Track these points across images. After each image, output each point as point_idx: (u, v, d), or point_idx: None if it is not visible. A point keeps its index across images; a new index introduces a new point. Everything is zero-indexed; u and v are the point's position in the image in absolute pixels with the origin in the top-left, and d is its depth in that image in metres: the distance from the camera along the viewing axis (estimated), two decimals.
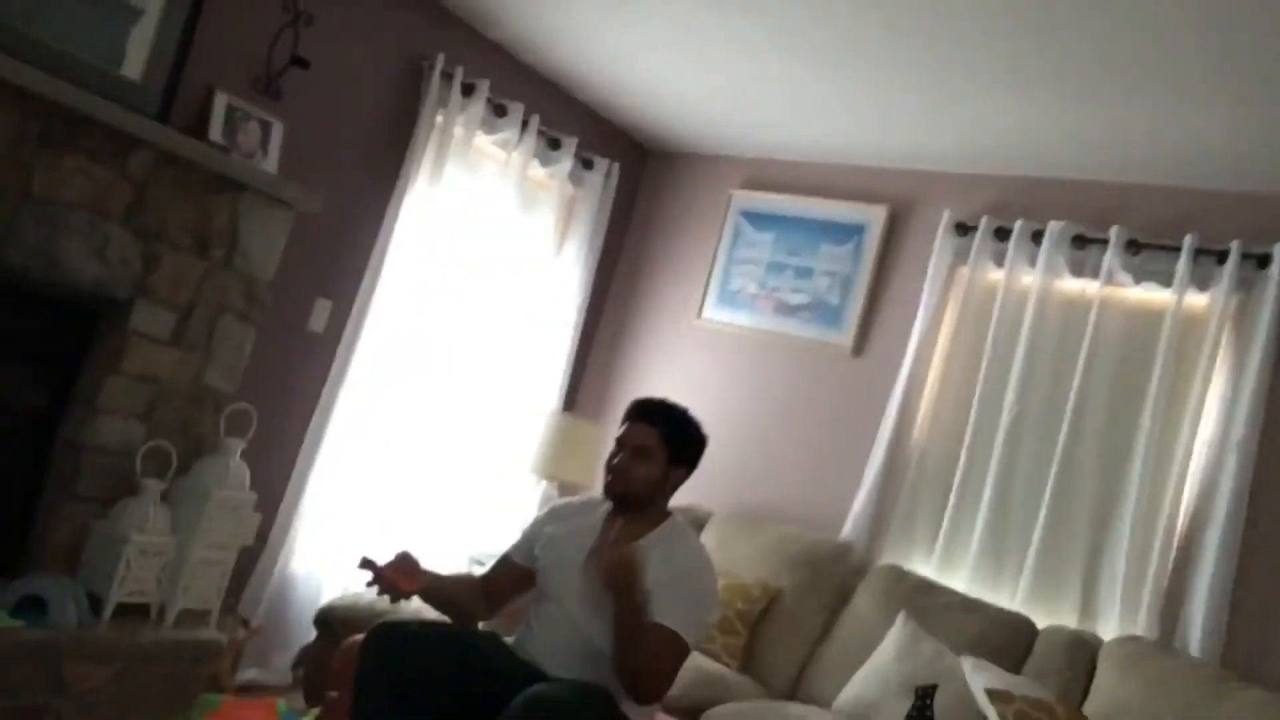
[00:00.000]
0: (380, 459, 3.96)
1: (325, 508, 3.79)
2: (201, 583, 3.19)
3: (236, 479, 3.24)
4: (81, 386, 3.12)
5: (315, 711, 2.83)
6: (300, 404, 3.77)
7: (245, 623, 3.50)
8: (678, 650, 2.37)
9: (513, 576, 2.69)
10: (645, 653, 2.33)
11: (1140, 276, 3.72)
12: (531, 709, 2.22)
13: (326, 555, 3.81)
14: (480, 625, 2.75)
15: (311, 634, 3.46)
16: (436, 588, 2.57)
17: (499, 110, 4.15)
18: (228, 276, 3.30)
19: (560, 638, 2.53)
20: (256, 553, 3.60)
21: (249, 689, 3.48)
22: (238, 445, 3.27)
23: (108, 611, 2.98)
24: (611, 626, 2.38)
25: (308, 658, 3.49)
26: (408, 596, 2.45)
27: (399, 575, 2.42)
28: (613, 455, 2.62)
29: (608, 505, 2.67)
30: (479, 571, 3.09)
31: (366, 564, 2.42)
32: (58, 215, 2.89)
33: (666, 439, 2.59)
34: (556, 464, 4.03)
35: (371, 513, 3.95)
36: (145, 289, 3.11)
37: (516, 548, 2.72)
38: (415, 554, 2.53)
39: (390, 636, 2.38)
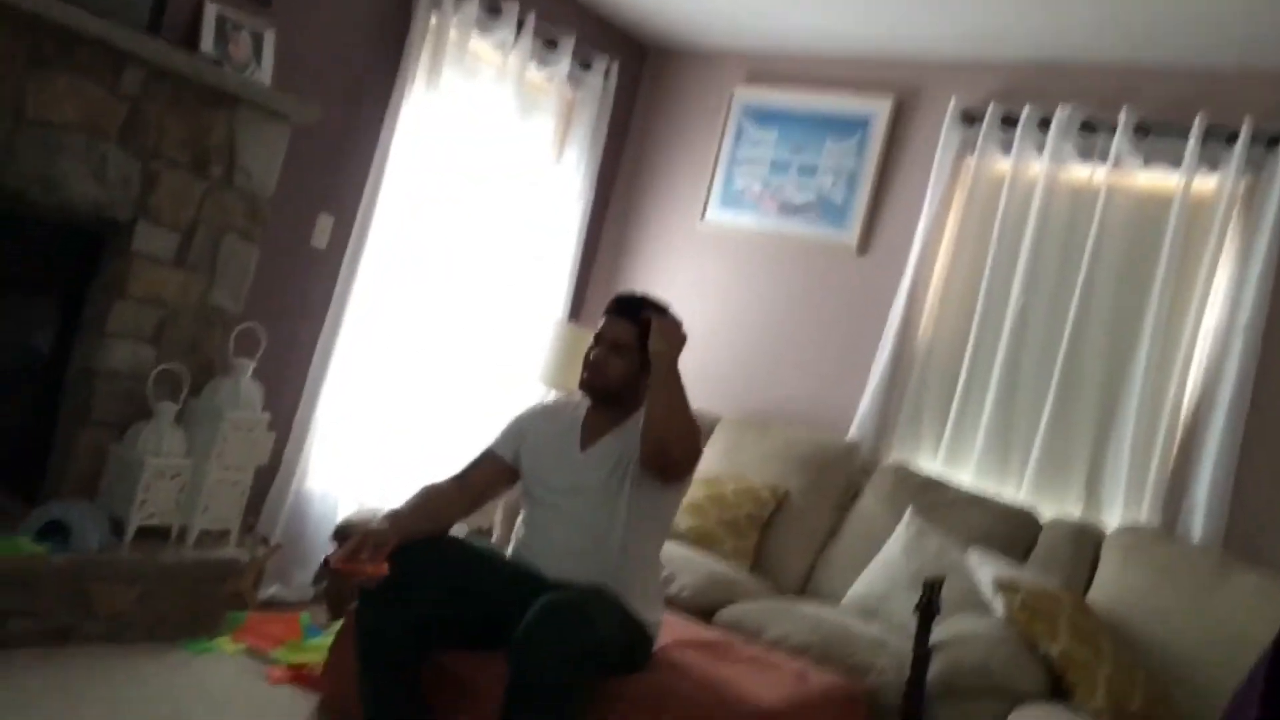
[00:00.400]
0: (389, 373, 3.97)
1: (337, 424, 3.82)
2: (220, 503, 3.23)
3: (248, 399, 3.26)
4: (89, 312, 3.12)
5: (338, 624, 2.90)
6: (307, 321, 3.77)
7: (265, 541, 3.57)
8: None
9: (496, 472, 2.68)
10: (683, 402, 2.42)
11: (1149, 159, 3.67)
12: (547, 617, 2.27)
13: (341, 472, 3.85)
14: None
15: (330, 549, 3.52)
16: (408, 534, 2.42)
17: (493, 9, 4.04)
18: (228, 194, 3.26)
19: (558, 538, 2.57)
20: (272, 472, 3.64)
21: (272, 605, 3.56)
22: (248, 365, 3.28)
23: (129, 534, 3.03)
24: (624, 478, 2.51)
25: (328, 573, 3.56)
26: (377, 581, 2.29)
27: (367, 562, 2.25)
28: (590, 350, 2.62)
29: (586, 403, 2.69)
30: None
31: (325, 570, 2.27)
32: (53, 137, 2.85)
33: (643, 334, 2.56)
34: (564, 373, 4.05)
35: (383, 427, 3.98)
36: (146, 210, 3.08)
37: (500, 443, 2.70)
38: (361, 516, 2.44)
39: (385, 596, 2.35)
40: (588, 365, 2.61)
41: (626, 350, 2.57)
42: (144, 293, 3.13)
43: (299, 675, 2.99)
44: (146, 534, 3.07)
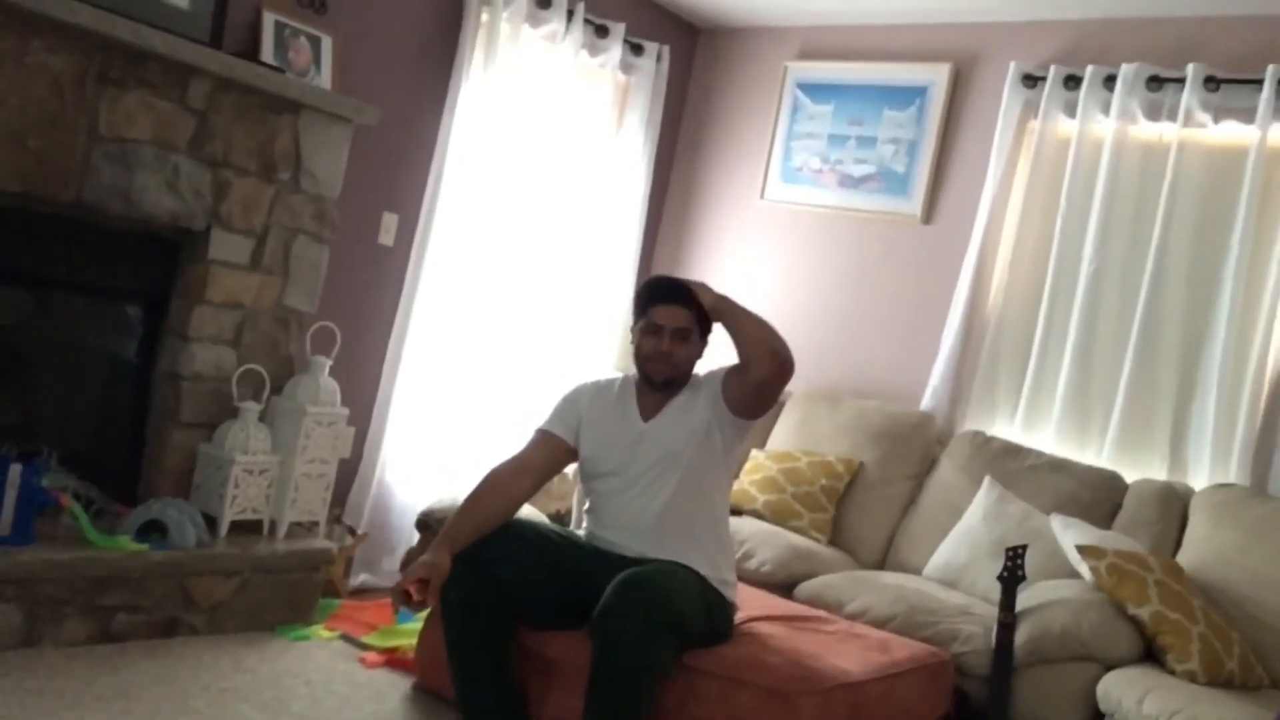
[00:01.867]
0: (460, 362, 4.03)
1: (414, 415, 3.89)
2: (307, 496, 3.32)
3: (328, 395, 3.34)
4: (172, 318, 3.22)
5: (427, 610, 2.96)
6: (379, 317, 3.85)
7: (351, 531, 3.66)
8: None
9: (555, 452, 2.72)
10: (761, 319, 2.57)
11: (1220, 114, 3.58)
12: (625, 592, 2.32)
13: (419, 461, 3.93)
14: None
15: (414, 537, 3.59)
16: (465, 541, 2.53)
17: (543, 2, 4.07)
18: (296, 198, 3.34)
19: (633, 515, 2.61)
20: (354, 464, 3.74)
21: (363, 592, 3.66)
22: (325, 363, 3.36)
23: (223, 529, 3.13)
24: (691, 454, 2.60)
25: (414, 559, 3.63)
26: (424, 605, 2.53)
27: (430, 594, 2.46)
28: (651, 340, 2.63)
29: (631, 380, 2.75)
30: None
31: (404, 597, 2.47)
32: (127, 152, 2.94)
33: (698, 317, 2.64)
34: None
35: (457, 416, 4.04)
36: (219, 217, 3.17)
37: (557, 423, 2.73)
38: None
39: (469, 576, 2.48)
40: (657, 356, 2.63)
41: (690, 333, 2.63)
42: (222, 297, 3.22)
43: (393, 659, 3.07)
44: (239, 528, 3.17)
